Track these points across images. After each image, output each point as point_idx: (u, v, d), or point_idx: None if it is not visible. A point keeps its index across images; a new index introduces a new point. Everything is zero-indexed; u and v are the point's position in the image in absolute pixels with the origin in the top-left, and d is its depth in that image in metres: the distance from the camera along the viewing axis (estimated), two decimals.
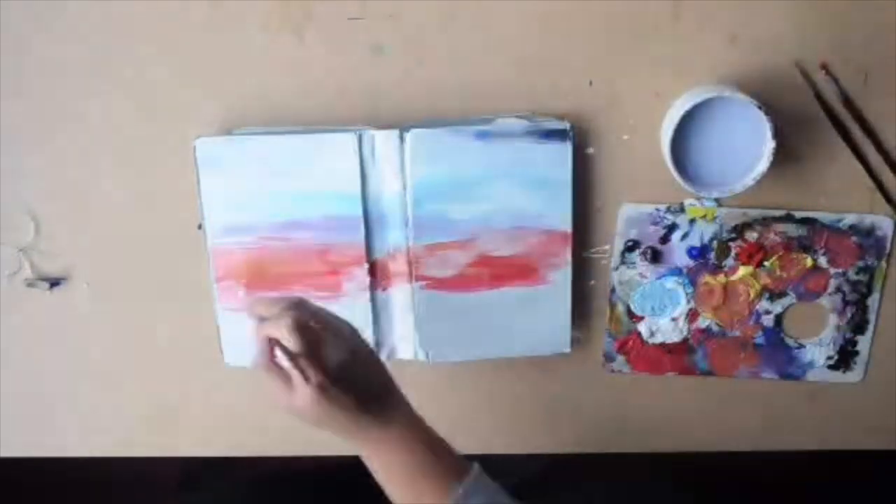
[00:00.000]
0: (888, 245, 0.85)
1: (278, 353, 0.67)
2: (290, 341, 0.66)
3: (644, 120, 0.81)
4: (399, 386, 0.72)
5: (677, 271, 0.86)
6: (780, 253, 0.85)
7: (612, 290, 0.87)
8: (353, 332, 0.71)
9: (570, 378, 0.90)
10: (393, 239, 0.83)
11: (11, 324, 0.89)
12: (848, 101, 0.81)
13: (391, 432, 0.70)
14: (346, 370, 0.68)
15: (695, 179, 0.79)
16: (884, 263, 0.85)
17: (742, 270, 0.85)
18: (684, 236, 0.85)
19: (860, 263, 0.85)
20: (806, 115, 0.81)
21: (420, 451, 0.70)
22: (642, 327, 0.88)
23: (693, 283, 0.86)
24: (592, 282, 0.87)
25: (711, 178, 0.79)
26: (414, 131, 0.80)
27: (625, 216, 0.84)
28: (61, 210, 0.86)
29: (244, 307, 0.72)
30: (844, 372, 0.89)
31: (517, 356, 0.87)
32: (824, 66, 0.80)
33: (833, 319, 0.87)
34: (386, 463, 0.70)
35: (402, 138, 0.80)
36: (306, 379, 0.65)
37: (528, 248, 0.83)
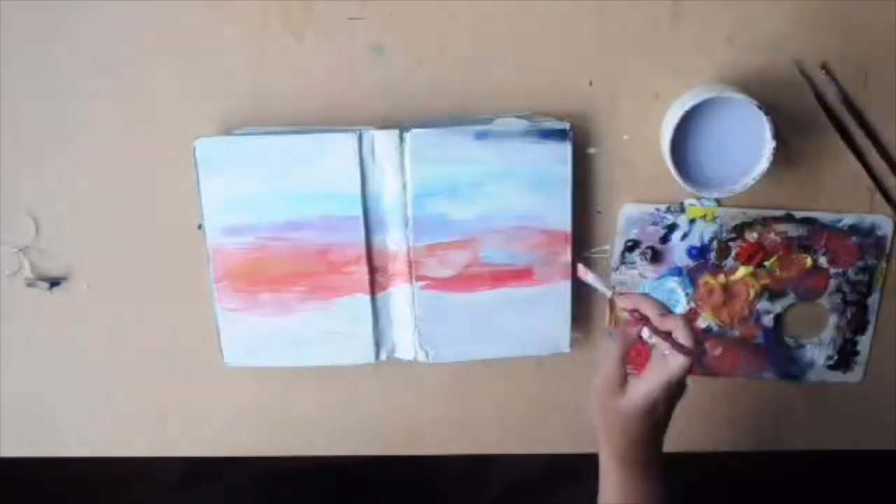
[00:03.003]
0: (888, 245, 0.85)
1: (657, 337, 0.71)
2: (688, 338, 0.70)
3: (644, 120, 0.81)
4: None
5: (677, 271, 0.86)
6: (780, 253, 0.85)
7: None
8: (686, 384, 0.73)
9: (570, 378, 0.90)
10: (393, 239, 0.83)
11: (11, 324, 0.89)
12: (848, 101, 0.81)
13: (648, 469, 0.72)
14: (670, 408, 0.72)
15: (695, 179, 0.79)
16: (884, 263, 0.85)
17: (742, 270, 0.85)
18: (684, 236, 0.85)
19: (860, 263, 0.85)
20: (806, 115, 0.81)
21: (653, 494, 0.73)
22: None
23: (693, 283, 0.86)
24: None
25: (711, 178, 0.79)
26: (414, 131, 0.80)
27: (625, 216, 0.84)
28: (61, 210, 0.86)
29: (618, 296, 0.75)
30: (844, 372, 0.89)
31: (517, 356, 0.87)
32: (824, 66, 0.80)
33: (833, 319, 0.87)
34: (619, 489, 0.73)
35: (402, 138, 0.80)
36: (666, 398, 0.70)
37: (528, 248, 0.83)
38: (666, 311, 0.72)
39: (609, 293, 0.76)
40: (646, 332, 0.71)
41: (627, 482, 0.73)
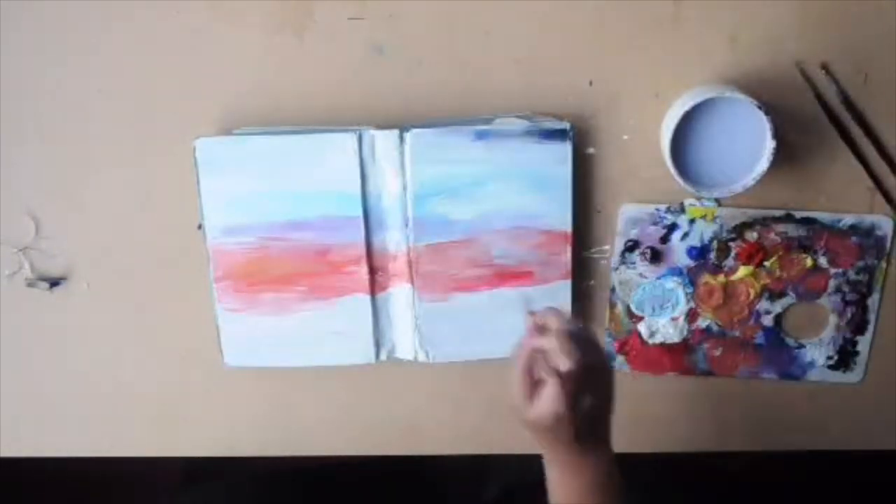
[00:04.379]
0: (888, 245, 0.85)
1: (541, 363, 0.69)
2: (571, 370, 0.67)
3: (644, 120, 0.81)
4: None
5: (677, 271, 0.86)
6: (780, 253, 0.85)
7: (612, 290, 0.87)
8: (609, 374, 0.72)
9: None
10: (393, 239, 0.83)
11: (11, 324, 0.89)
12: (848, 101, 0.81)
13: (587, 459, 0.72)
14: (589, 408, 0.69)
15: (695, 179, 0.79)
16: (884, 263, 0.85)
17: (742, 270, 0.85)
18: (684, 236, 0.85)
19: (860, 263, 0.85)
20: (806, 115, 0.81)
21: (600, 484, 0.72)
22: (642, 327, 0.88)
23: (693, 283, 0.86)
24: (592, 282, 0.87)
25: (711, 178, 0.79)
26: (414, 131, 0.80)
27: (625, 216, 0.84)
28: (61, 210, 0.86)
29: (532, 313, 0.73)
30: (844, 372, 0.89)
31: None
32: (824, 66, 0.80)
33: (833, 319, 0.87)
34: (564, 479, 0.72)
35: (402, 138, 0.80)
36: (570, 407, 0.67)
37: (528, 248, 0.83)
38: (569, 329, 0.70)
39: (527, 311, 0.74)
40: (528, 344, 0.70)
41: (558, 478, 0.73)
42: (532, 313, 0.72)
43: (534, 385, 0.69)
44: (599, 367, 0.71)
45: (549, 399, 0.68)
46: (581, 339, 0.69)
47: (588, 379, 0.68)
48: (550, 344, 0.68)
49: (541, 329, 0.70)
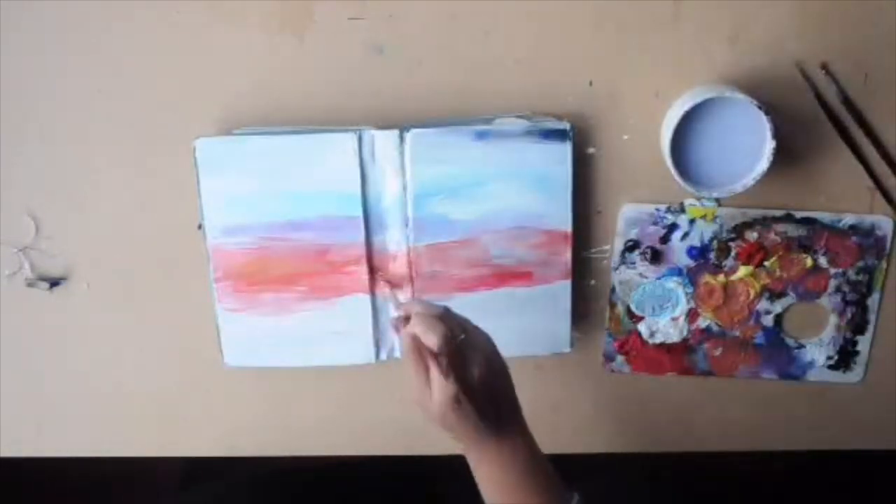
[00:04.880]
0: (888, 245, 0.85)
1: (419, 349, 0.70)
2: (442, 349, 0.68)
3: (644, 120, 0.81)
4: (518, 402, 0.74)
5: (677, 271, 0.86)
6: (780, 253, 0.85)
7: (612, 290, 0.87)
8: (492, 347, 0.73)
9: (570, 378, 0.90)
10: (393, 239, 0.83)
11: (11, 324, 0.89)
12: (848, 101, 0.81)
13: (504, 445, 0.72)
14: (480, 382, 0.70)
15: (695, 179, 0.79)
16: (884, 263, 0.85)
17: (742, 270, 0.85)
18: (684, 236, 0.85)
19: (860, 263, 0.85)
20: (806, 115, 0.81)
21: (526, 470, 0.72)
22: (642, 327, 0.88)
23: (693, 283, 0.86)
24: (592, 282, 0.87)
25: (711, 178, 0.79)
26: (414, 131, 0.80)
27: (625, 216, 0.84)
28: (61, 210, 0.86)
29: (400, 306, 0.75)
30: (844, 372, 0.89)
31: (517, 356, 0.87)
32: (824, 66, 0.80)
33: (833, 319, 0.87)
34: (491, 473, 0.72)
35: (402, 138, 0.80)
36: (452, 381, 0.68)
37: (528, 248, 0.83)
38: (430, 309, 0.71)
39: (394, 302, 0.76)
40: (405, 337, 0.71)
41: (484, 472, 0.73)
42: (398, 308, 0.73)
43: (425, 375, 0.70)
44: (476, 342, 0.71)
45: (438, 384, 0.68)
46: (445, 317, 0.70)
47: (468, 354, 0.69)
48: (415, 327, 0.69)
49: (407, 319, 0.71)
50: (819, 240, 0.84)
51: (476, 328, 0.73)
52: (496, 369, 0.72)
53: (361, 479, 1.07)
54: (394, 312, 0.75)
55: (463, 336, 0.70)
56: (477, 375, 0.70)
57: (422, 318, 0.70)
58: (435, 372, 0.68)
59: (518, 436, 0.73)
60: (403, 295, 0.83)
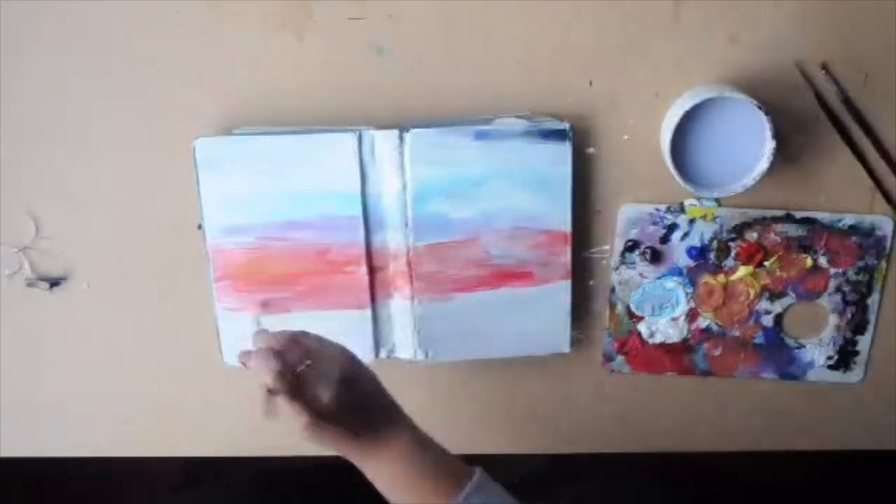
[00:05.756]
0: (888, 245, 0.85)
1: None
2: (277, 387, 0.68)
3: (644, 120, 0.81)
4: (395, 399, 0.74)
5: (677, 271, 0.86)
6: (780, 253, 0.85)
7: (612, 290, 0.87)
8: (345, 359, 0.72)
9: (570, 378, 0.90)
10: (393, 239, 0.83)
11: (11, 324, 0.89)
12: (848, 101, 0.81)
13: (391, 448, 0.71)
14: (339, 400, 0.69)
15: (695, 179, 0.79)
16: (884, 263, 0.85)
17: (742, 270, 0.85)
18: (684, 236, 0.85)
19: (860, 263, 0.85)
20: (806, 115, 0.81)
21: (420, 462, 0.72)
22: (642, 327, 0.88)
23: (693, 283, 0.86)
24: (592, 282, 0.87)
25: (711, 178, 0.79)
26: (414, 131, 0.80)
27: (625, 216, 0.84)
28: (61, 210, 0.86)
29: (257, 333, 0.75)
30: (844, 372, 0.89)
31: (517, 356, 0.87)
32: (824, 66, 0.80)
33: (833, 319, 0.87)
34: (387, 475, 0.72)
35: (402, 138, 0.80)
36: (294, 414, 0.68)
37: (528, 248, 0.83)
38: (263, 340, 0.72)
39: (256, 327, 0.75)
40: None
41: (361, 467, 0.72)
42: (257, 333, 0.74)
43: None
44: (325, 364, 0.70)
45: (290, 415, 0.68)
46: (287, 349, 0.70)
47: (317, 380, 0.69)
48: (251, 363, 0.70)
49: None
50: (819, 240, 0.84)
51: (327, 346, 0.72)
52: (356, 382, 0.71)
53: (361, 478, 1.06)
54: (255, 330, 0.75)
55: (305, 365, 0.69)
56: (328, 398, 0.69)
57: (258, 355, 0.70)
58: (284, 406, 0.68)
59: (402, 433, 0.72)
60: (264, 319, 0.82)
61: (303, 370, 0.69)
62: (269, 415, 0.69)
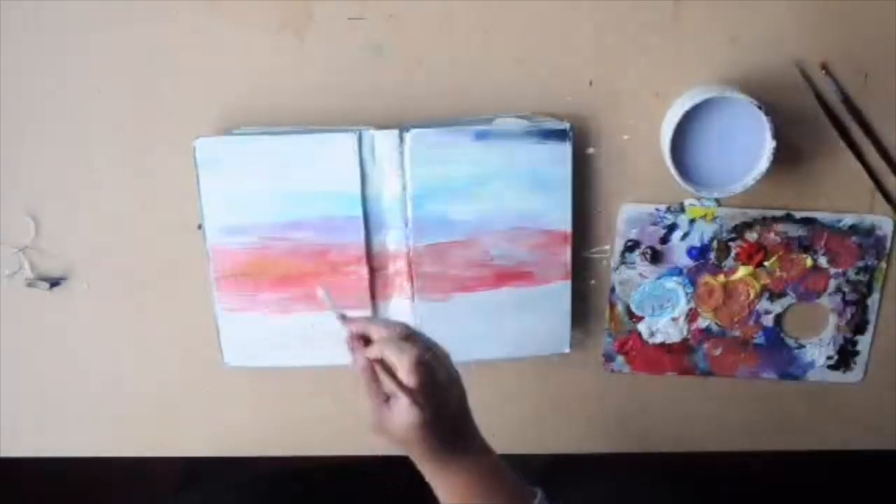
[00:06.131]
0: (888, 245, 0.85)
1: (381, 373, 0.67)
2: (411, 377, 0.65)
3: (644, 120, 0.81)
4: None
5: (677, 271, 0.86)
6: (780, 253, 0.85)
7: (612, 290, 0.87)
8: (450, 363, 0.70)
9: (570, 378, 0.90)
10: (393, 239, 0.83)
11: (11, 324, 0.89)
12: (848, 101, 0.81)
13: (463, 462, 0.70)
14: (444, 401, 0.68)
15: (695, 179, 0.79)
16: (884, 263, 0.85)
17: (742, 270, 0.85)
18: (684, 236, 0.85)
19: (860, 263, 0.85)
20: (806, 115, 0.81)
21: (488, 479, 0.70)
22: (642, 327, 0.88)
23: (693, 283, 0.86)
24: (592, 282, 0.87)
25: (711, 178, 0.79)
26: (414, 131, 0.80)
27: (625, 216, 0.84)
28: (61, 210, 0.86)
29: (347, 324, 0.70)
30: (844, 372, 0.89)
31: (517, 356, 0.87)
32: (824, 66, 0.80)
33: (833, 319, 0.87)
34: (454, 487, 0.70)
35: (402, 138, 0.80)
36: (421, 408, 0.65)
37: (528, 248, 0.83)
38: (404, 338, 0.67)
39: (337, 315, 0.71)
40: (361, 360, 0.67)
41: (444, 488, 0.70)
42: (344, 318, 0.70)
43: (384, 397, 0.67)
44: (440, 358, 0.68)
45: (403, 412, 0.66)
46: (412, 338, 0.68)
47: (436, 374, 0.67)
48: (385, 355, 0.66)
49: (363, 339, 0.68)
50: (819, 240, 0.84)
51: (438, 347, 0.70)
52: (454, 388, 0.69)
53: (361, 479, 1.07)
54: (339, 324, 0.70)
55: (429, 355, 0.67)
56: (444, 399, 0.67)
57: (390, 343, 0.67)
58: (404, 398, 0.65)
59: (476, 450, 0.71)
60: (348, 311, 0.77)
61: (429, 359, 0.66)
62: (370, 387, 0.66)
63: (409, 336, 0.68)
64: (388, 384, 0.66)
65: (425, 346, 0.68)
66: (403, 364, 0.66)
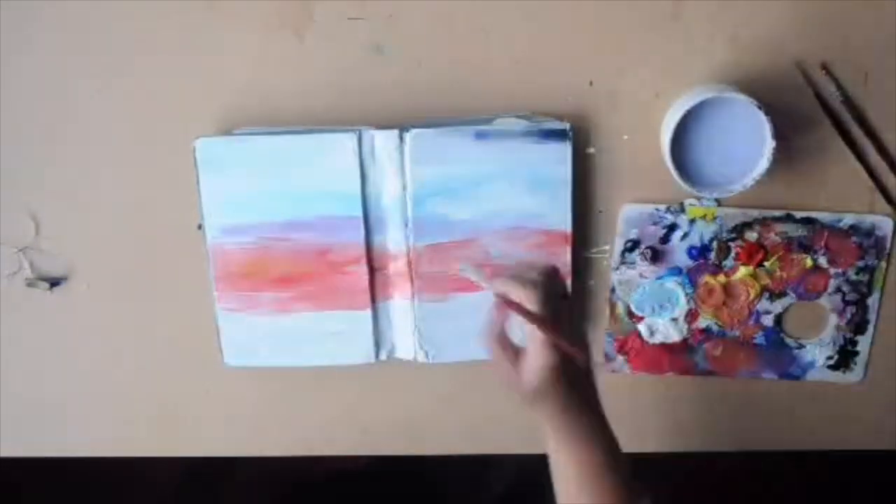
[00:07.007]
0: (888, 245, 0.85)
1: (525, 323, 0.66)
2: (541, 317, 0.65)
3: (644, 120, 0.81)
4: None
5: (677, 271, 0.86)
6: (780, 253, 0.85)
7: (612, 290, 0.87)
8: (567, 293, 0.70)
9: None
10: (393, 239, 0.83)
11: (11, 324, 0.89)
12: (848, 101, 0.81)
13: (593, 416, 0.69)
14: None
15: (695, 179, 0.79)
16: (884, 263, 0.85)
17: (742, 270, 0.85)
18: (684, 236, 0.85)
19: (860, 263, 0.85)
20: (806, 115, 0.81)
21: (612, 440, 0.70)
22: (642, 327, 0.88)
23: (693, 283, 0.86)
24: (592, 282, 0.87)
25: (711, 178, 0.79)
26: (414, 131, 0.80)
27: (625, 216, 0.84)
28: (61, 210, 0.86)
29: (490, 284, 0.70)
30: (844, 372, 0.89)
31: None
32: (824, 66, 0.80)
33: (833, 319, 0.87)
34: (586, 443, 0.69)
35: (402, 138, 0.80)
36: (550, 350, 0.65)
37: (528, 248, 0.83)
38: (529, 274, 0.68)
39: (486, 284, 0.70)
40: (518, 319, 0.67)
41: (563, 455, 0.70)
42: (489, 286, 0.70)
43: (514, 355, 0.67)
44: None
45: (538, 356, 0.65)
46: (548, 279, 0.68)
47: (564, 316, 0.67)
48: (519, 297, 0.66)
49: (507, 304, 0.68)
50: (819, 240, 0.84)
51: (556, 271, 0.69)
52: (581, 378, 0.69)
53: (362, 479, 1.07)
54: (476, 279, 0.71)
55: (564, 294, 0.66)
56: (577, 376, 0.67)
57: (531, 282, 0.67)
58: (534, 346, 0.65)
59: (598, 413, 0.70)
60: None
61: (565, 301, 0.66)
62: (500, 342, 0.66)
63: (551, 273, 0.68)
64: (518, 330, 0.66)
65: (563, 286, 0.68)
66: (531, 304, 0.65)
